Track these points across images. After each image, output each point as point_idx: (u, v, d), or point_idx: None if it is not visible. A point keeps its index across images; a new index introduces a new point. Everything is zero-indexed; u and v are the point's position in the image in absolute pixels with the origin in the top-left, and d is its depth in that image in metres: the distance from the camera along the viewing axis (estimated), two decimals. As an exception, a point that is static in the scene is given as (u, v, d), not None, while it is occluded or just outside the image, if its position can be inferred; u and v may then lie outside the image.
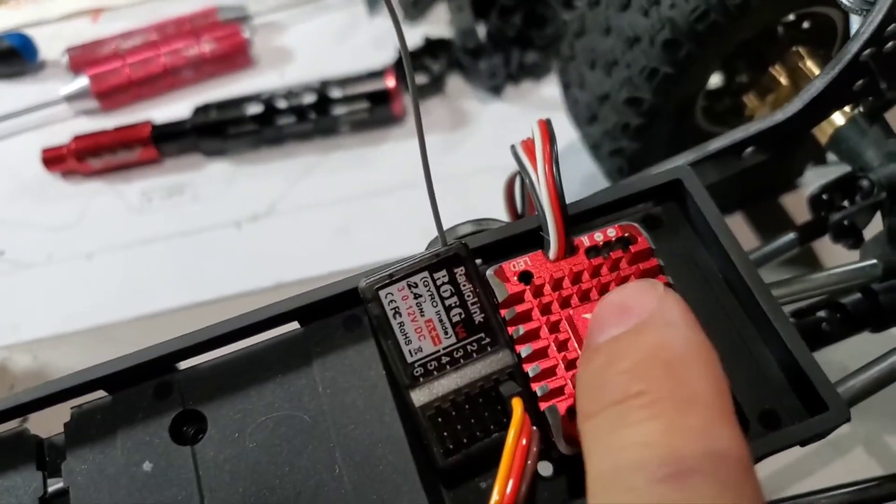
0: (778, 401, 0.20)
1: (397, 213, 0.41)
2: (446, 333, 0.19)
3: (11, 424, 0.22)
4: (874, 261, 0.26)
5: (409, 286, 0.19)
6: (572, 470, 0.20)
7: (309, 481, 0.19)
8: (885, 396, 0.36)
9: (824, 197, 0.31)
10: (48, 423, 0.23)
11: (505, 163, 0.31)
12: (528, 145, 0.23)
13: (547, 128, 0.22)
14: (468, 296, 0.20)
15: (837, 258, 0.32)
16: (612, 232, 0.21)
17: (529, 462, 0.18)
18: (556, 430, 0.19)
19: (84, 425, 0.21)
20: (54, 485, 0.21)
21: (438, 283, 0.20)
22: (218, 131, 0.45)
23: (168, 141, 0.45)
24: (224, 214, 0.43)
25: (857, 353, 0.27)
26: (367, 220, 0.42)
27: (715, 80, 0.40)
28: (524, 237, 0.22)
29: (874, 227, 0.31)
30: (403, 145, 0.45)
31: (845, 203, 0.30)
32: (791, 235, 0.31)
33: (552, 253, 0.21)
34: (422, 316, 0.19)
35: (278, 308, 0.21)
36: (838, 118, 0.31)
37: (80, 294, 0.41)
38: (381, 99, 0.45)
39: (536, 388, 0.20)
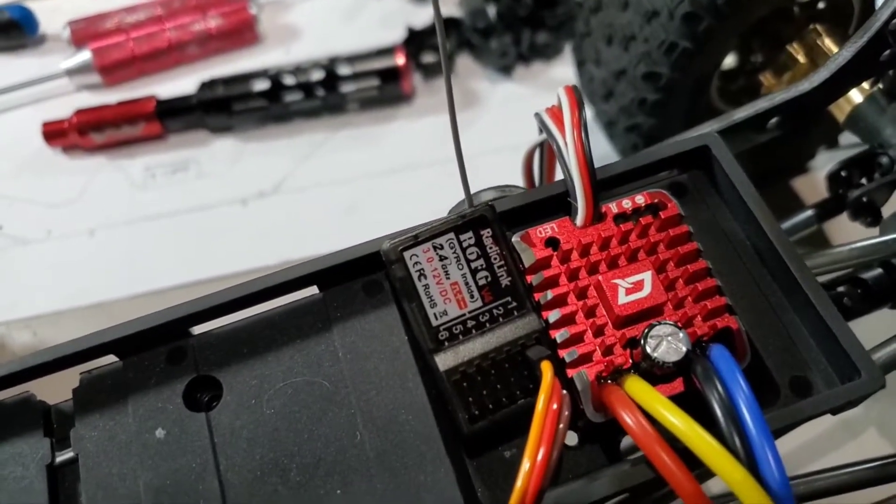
0: (809, 368, 0.20)
1: (406, 192, 0.40)
2: (472, 297, 0.19)
3: (18, 391, 0.21)
4: (895, 235, 0.26)
5: (435, 248, 0.19)
6: (599, 438, 0.20)
7: (329, 448, 0.19)
8: (898, 378, 0.36)
9: (843, 174, 0.30)
10: (56, 394, 0.22)
11: (515, 142, 0.30)
12: (555, 112, 0.22)
13: (574, 93, 0.22)
14: (495, 259, 0.19)
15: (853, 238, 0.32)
16: (640, 199, 0.21)
17: (561, 426, 0.17)
18: (585, 397, 0.19)
19: (94, 391, 0.20)
20: (62, 453, 0.20)
21: (464, 245, 0.19)
22: (224, 107, 0.44)
23: (173, 116, 0.44)
24: (230, 191, 0.43)
25: (879, 329, 0.27)
26: (375, 199, 0.41)
27: (729, 60, 0.40)
28: (551, 203, 0.21)
29: (892, 205, 0.30)
30: (412, 124, 0.45)
31: (863, 180, 0.30)
32: (809, 212, 0.30)
33: (580, 219, 0.21)
34: (447, 279, 0.19)
35: (297, 272, 0.21)
36: (857, 96, 0.31)
37: (80, 270, 0.40)
38: (390, 77, 0.44)
39: (564, 354, 0.19)
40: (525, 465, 0.17)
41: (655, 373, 0.19)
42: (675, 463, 0.16)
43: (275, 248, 0.39)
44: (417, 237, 0.19)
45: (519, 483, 0.17)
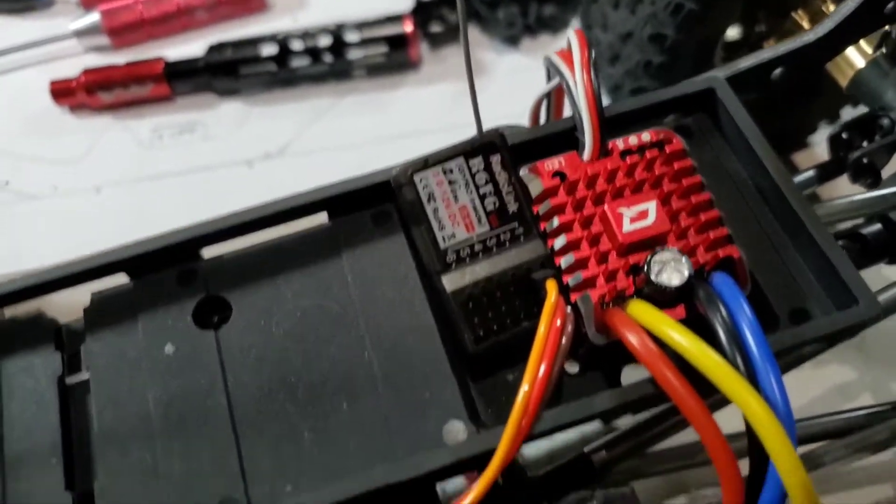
0: (808, 300, 0.20)
1: (411, 158, 0.41)
2: (480, 221, 0.19)
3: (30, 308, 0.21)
4: (895, 189, 0.27)
5: (445, 172, 0.19)
6: (600, 366, 0.20)
7: (337, 368, 0.19)
8: (893, 342, 0.37)
9: (844, 136, 0.31)
10: (67, 317, 0.22)
11: (521, 112, 0.30)
12: (564, 54, 0.22)
13: (584, 36, 0.22)
14: (503, 184, 0.19)
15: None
16: (646, 136, 0.21)
17: (563, 342, 0.18)
18: (588, 319, 0.19)
19: (104, 309, 0.21)
20: (73, 370, 0.20)
21: (474, 170, 0.19)
22: (232, 70, 0.45)
23: (181, 78, 0.45)
24: (236, 153, 0.43)
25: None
26: (381, 164, 0.41)
27: (734, 32, 0.40)
28: (558, 139, 0.22)
29: (892, 168, 0.31)
30: (419, 91, 0.45)
31: (864, 143, 0.30)
32: (810, 173, 0.31)
33: (587, 153, 0.21)
34: (456, 202, 0.19)
35: (307, 197, 0.21)
36: (859, 60, 0.31)
37: (86, 226, 0.40)
38: (398, 44, 0.44)
39: (569, 279, 0.20)
40: (526, 379, 0.17)
41: (657, 299, 0.19)
42: (677, 378, 0.17)
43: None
44: (427, 160, 0.19)
45: (520, 396, 0.17)
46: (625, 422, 0.25)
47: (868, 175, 0.30)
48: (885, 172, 0.31)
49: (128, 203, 0.41)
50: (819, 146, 0.43)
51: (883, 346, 0.36)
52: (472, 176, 0.19)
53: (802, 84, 0.38)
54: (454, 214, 0.19)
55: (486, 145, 0.20)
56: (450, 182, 0.19)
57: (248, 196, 0.43)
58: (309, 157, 0.43)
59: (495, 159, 0.19)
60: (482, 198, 0.19)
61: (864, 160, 0.29)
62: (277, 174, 0.42)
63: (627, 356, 0.20)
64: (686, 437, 0.30)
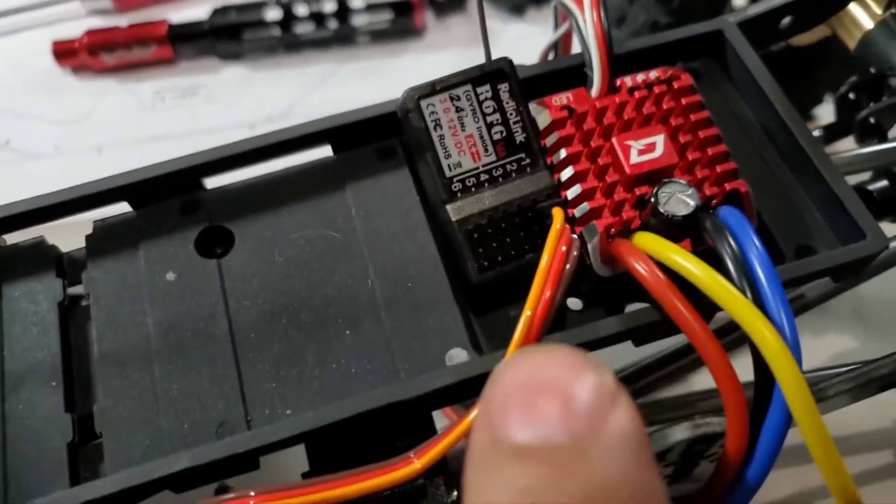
0: (815, 238, 0.20)
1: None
2: (486, 151, 0.19)
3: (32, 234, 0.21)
4: (905, 142, 0.26)
5: (452, 98, 0.19)
6: (604, 302, 0.20)
7: (340, 295, 0.19)
8: (894, 310, 0.36)
9: (851, 96, 0.31)
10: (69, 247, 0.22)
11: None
12: (574, -5, 0.22)
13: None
14: (510, 114, 0.19)
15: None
16: (654, 74, 0.21)
17: (567, 268, 0.18)
18: (594, 251, 0.19)
19: (106, 237, 0.20)
20: (74, 292, 0.20)
21: (481, 98, 0.19)
22: (235, 34, 0.44)
23: (184, 41, 0.44)
24: (238, 117, 0.43)
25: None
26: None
27: (740, 1, 0.40)
28: (567, 75, 0.22)
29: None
30: (422, 58, 0.45)
31: (871, 105, 0.30)
32: (816, 133, 0.30)
33: (596, 88, 0.21)
34: (462, 130, 0.19)
35: (311, 127, 0.21)
36: (868, 21, 0.31)
37: (87, 185, 0.40)
38: (403, 10, 0.44)
39: (574, 210, 0.19)
40: (529, 304, 0.17)
41: (663, 231, 0.19)
42: (684, 305, 0.16)
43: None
44: (435, 86, 0.19)
45: (522, 320, 0.17)
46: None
47: (874, 135, 0.30)
48: (892, 134, 0.31)
49: (129, 164, 0.40)
50: (825, 118, 0.43)
51: (882, 317, 0.36)
52: (480, 104, 0.19)
53: (807, 54, 0.38)
54: (461, 143, 0.19)
55: (494, 73, 0.19)
56: (457, 109, 0.19)
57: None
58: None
59: (503, 87, 0.19)
60: (489, 126, 0.19)
61: (871, 120, 0.29)
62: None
63: (631, 292, 0.20)
64: (683, 388, 0.30)
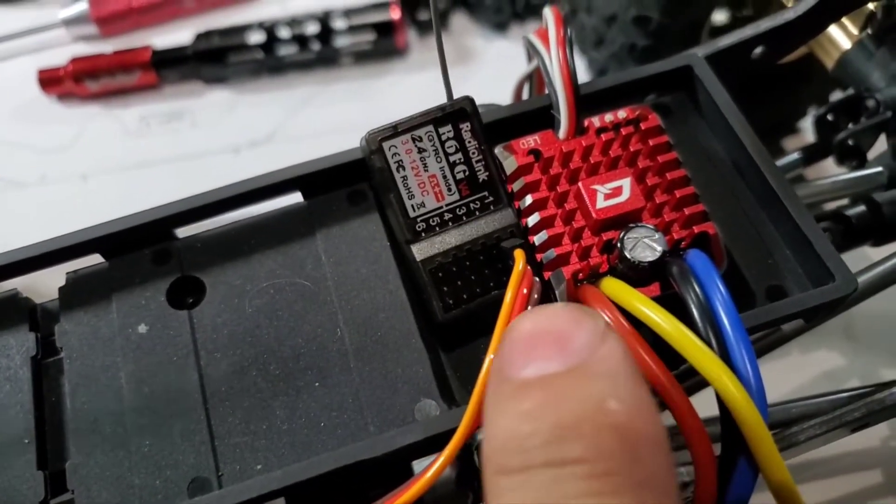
0: (785, 277, 0.20)
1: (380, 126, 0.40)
2: (450, 190, 0.19)
3: (4, 287, 0.21)
4: (880, 168, 0.26)
5: (414, 139, 0.19)
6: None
7: (310, 344, 0.19)
8: (883, 328, 0.36)
9: (829, 118, 0.31)
10: (42, 298, 0.22)
11: (508, 97, 0.30)
12: (541, 32, 0.22)
13: (559, 13, 0.22)
14: (473, 153, 0.19)
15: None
16: (622, 113, 0.21)
17: (529, 309, 0.18)
18: (561, 297, 0.19)
19: (79, 289, 0.20)
20: (47, 347, 0.20)
21: (443, 138, 0.19)
22: (219, 58, 0.44)
23: (168, 66, 0.44)
24: (223, 141, 0.43)
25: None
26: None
27: (720, 17, 0.40)
28: (534, 117, 0.22)
29: (878, 150, 0.31)
30: (405, 79, 0.45)
31: (850, 125, 0.30)
32: (795, 155, 0.30)
33: (563, 130, 0.21)
34: (425, 171, 0.19)
35: (281, 175, 0.21)
36: (845, 42, 0.31)
37: (74, 214, 0.40)
38: (385, 31, 0.44)
39: (542, 256, 0.19)
40: (492, 348, 0.17)
41: (631, 276, 0.19)
42: (649, 355, 0.16)
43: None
44: (396, 128, 0.19)
45: (486, 364, 0.17)
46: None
47: (853, 157, 0.30)
48: (871, 155, 0.31)
49: (115, 190, 0.41)
50: (809, 132, 0.43)
51: (871, 333, 0.36)
52: (442, 144, 0.19)
53: (790, 70, 0.38)
54: (424, 183, 0.19)
55: (455, 112, 0.19)
56: (419, 150, 0.19)
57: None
58: (296, 143, 0.42)
59: (465, 127, 0.19)
60: (452, 166, 0.19)
61: (850, 142, 0.29)
62: (264, 161, 0.41)
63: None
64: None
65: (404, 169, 0.19)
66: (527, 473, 0.12)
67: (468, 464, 0.23)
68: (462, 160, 0.19)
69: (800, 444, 0.19)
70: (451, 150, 0.19)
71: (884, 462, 0.33)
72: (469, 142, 0.19)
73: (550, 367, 0.13)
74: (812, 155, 0.31)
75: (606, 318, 0.16)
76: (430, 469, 0.15)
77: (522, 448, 0.12)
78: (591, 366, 0.13)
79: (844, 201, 0.28)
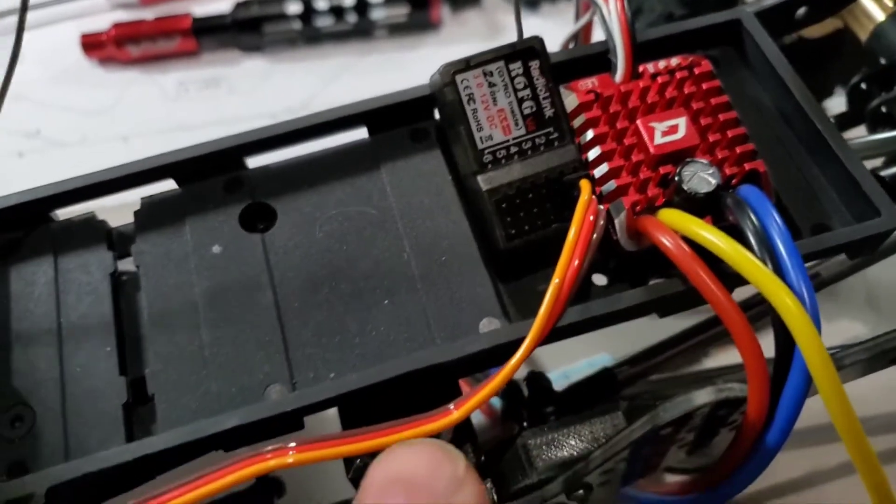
0: (830, 217, 0.21)
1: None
2: (517, 124, 0.20)
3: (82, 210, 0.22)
4: (916, 128, 0.27)
5: (485, 74, 0.20)
6: (628, 277, 0.21)
7: (378, 267, 0.20)
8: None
9: (863, 86, 0.31)
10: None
11: None
12: (598, -16, 0.23)
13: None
14: (540, 90, 0.20)
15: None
16: (675, 61, 0.22)
17: (594, 237, 0.18)
18: (621, 227, 0.20)
19: (154, 213, 0.21)
20: (124, 264, 0.21)
21: (513, 74, 0.20)
22: (257, 27, 0.45)
23: (207, 34, 0.45)
24: (259, 108, 0.44)
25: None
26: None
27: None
28: (591, 62, 0.23)
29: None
30: (438, 52, 0.46)
31: (883, 94, 0.31)
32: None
33: (619, 74, 0.22)
34: (495, 105, 0.20)
35: (348, 110, 0.22)
36: (879, 14, 0.32)
37: (114, 173, 0.41)
38: (420, 4, 0.45)
39: (601, 188, 0.20)
40: (558, 272, 0.18)
41: (686, 208, 0.20)
42: (709, 276, 0.17)
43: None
44: (469, 62, 0.20)
45: (552, 287, 0.18)
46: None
47: (886, 124, 0.31)
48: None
49: (153, 152, 0.42)
50: (836, 111, 0.44)
51: (894, 302, 0.37)
52: (512, 80, 0.20)
53: (820, 46, 0.39)
54: (492, 116, 0.20)
55: (525, 50, 0.20)
56: (489, 84, 0.20)
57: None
58: (332, 112, 0.44)
59: (534, 65, 0.20)
60: (520, 101, 0.20)
61: (883, 109, 0.30)
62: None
63: (654, 267, 0.21)
64: (704, 365, 0.31)
65: (475, 102, 0.20)
66: None
67: (515, 398, 0.24)
68: (530, 96, 0.20)
69: (844, 369, 0.20)
70: (519, 86, 0.20)
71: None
72: (537, 79, 0.20)
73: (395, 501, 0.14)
74: (844, 123, 0.32)
75: (464, 466, 0.15)
76: (509, 364, 0.16)
77: None
78: None
79: (877, 163, 0.29)
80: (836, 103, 0.44)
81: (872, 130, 0.31)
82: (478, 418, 0.28)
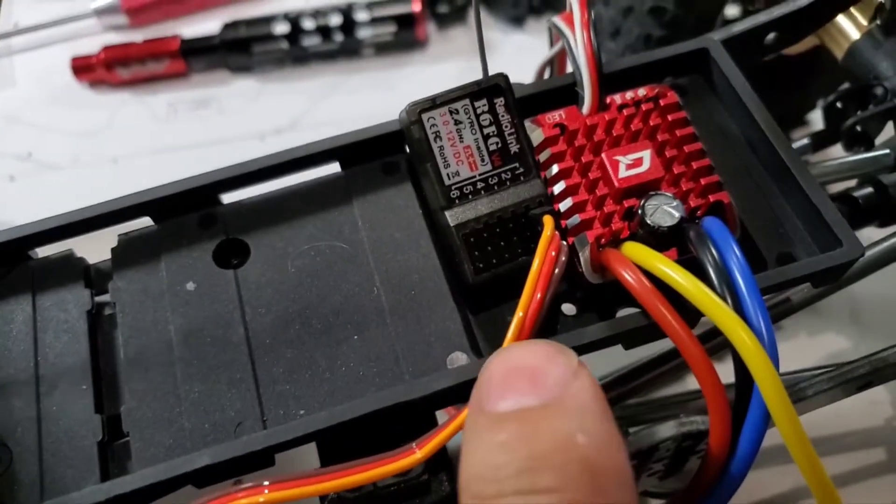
0: (795, 245, 0.21)
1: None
2: (483, 160, 0.20)
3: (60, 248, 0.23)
4: (887, 150, 0.27)
5: (451, 112, 0.20)
6: (596, 307, 0.21)
7: (348, 302, 0.20)
8: (888, 312, 0.37)
9: (838, 105, 0.32)
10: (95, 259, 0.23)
11: None
12: (566, 16, 0.24)
13: (583, -3, 0.23)
14: (506, 126, 0.21)
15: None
16: (642, 91, 0.22)
17: (557, 271, 0.19)
18: (585, 260, 0.20)
19: (130, 249, 0.22)
20: (101, 304, 0.22)
21: (479, 111, 0.20)
22: (245, 48, 0.46)
23: (196, 55, 0.46)
24: (248, 128, 0.44)
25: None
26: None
27: (733, 10, 0.41)
28: (559, 94, 0.23)
29: (885, 137, 0.32)
30: (425, 69, 0.46)
31: (858, 113, 0.31)
32: (804, 141, 0.32)
33: (586, 106, 0.22)
34: (461, 142, 0.20)
35: (320, 146, 0.22)
36: (854, 32, 0.32)
37: (105, 195, 0.41)
38: (406, 22, 0.46)
39: (566, 222, 0.21)
40: (521, 306, 0.18)
41: (650, 241, 0.20)
42: (669, 311, 0.18)
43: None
44: (435, 100, 0.20)
45: (515, 321, 0.18)
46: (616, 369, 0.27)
47: (861, 143, 0.31)
48: (879, 141, 0.32)
49: (144, 174, 0.42)
50: (818, 124, 0.44)
51: (876, 317, 0.37)
52: (477, 117, 0.20)
53: (799, 62, 0.39)
54: (459, 153, 0.20)
55: (491, 88, 0.21)
56: (455, 122, 0.20)
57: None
58: (318, 132, 0.43)
59: (499, 102, 0.21)
60: (486, 138, 0.20)
61: (858, 128, 0.30)
62: (288, 147, 0.43)
63: (622, 298, 0.21)
64: (677, 388, 0.32)
65: (441, 139, 0.20)
66: (500, 501, 0.13)
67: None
68: (495, 132, 0.20)
69: (808, 399, 0.20)
70: (485, 123, 0.20)
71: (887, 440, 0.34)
72: (502, 116, 0.20)
73: (525, 401, 0.14)
74: (820, 141, 0.32)
75: (576, 360, 0.16)
76: (464, 410, 0.16)
77: (496, 477, 0.13)
78: (563, 401, 0.14)
79: (852, 183, 0.29)
80: (818, 117, 0.44)
81: (848, 149, 0.32)
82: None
